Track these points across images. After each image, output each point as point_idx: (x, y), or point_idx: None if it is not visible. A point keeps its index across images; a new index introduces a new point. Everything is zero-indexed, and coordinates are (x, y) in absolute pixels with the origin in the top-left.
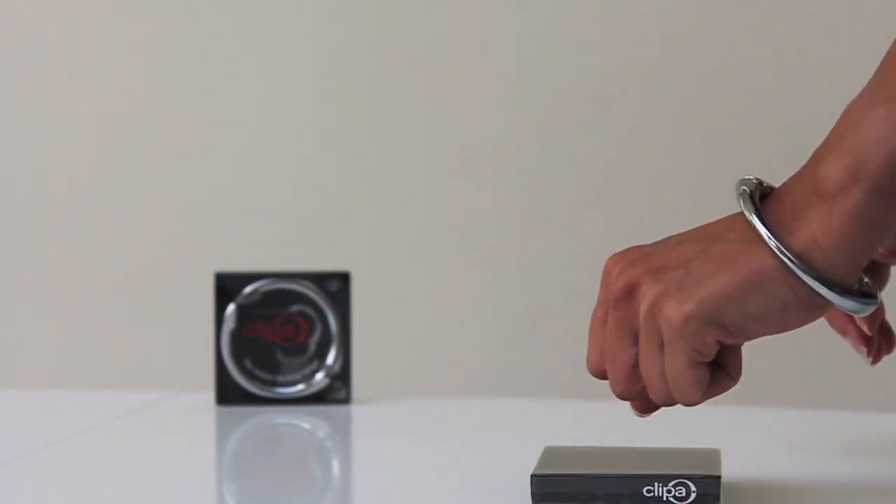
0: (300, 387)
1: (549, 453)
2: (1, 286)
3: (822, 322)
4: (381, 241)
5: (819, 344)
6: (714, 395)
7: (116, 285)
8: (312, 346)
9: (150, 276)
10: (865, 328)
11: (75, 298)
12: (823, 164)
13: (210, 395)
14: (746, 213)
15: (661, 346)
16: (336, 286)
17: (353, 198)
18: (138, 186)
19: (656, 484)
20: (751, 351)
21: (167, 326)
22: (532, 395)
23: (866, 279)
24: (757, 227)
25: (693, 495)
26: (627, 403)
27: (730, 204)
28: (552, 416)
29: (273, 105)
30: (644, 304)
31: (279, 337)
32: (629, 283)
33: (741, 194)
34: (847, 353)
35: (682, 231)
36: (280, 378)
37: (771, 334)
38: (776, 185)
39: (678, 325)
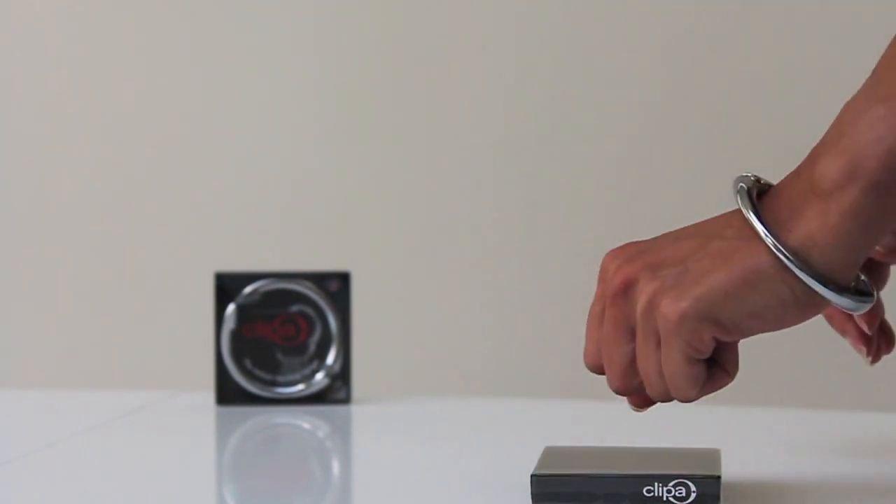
0: (300, 387)
1: (549, 453)
2: (1, 286)
3: (821, 322)
4: (381, 241)
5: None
6: (711, 392)
7: (116, 285)
8: (312, 346)
9: (150, 276)
10: (865, 328)
11: (75, 298)
12: (821, 162)
13: (210, 395)
14: (743, 211)
15: (658, 343)
16: (336, 286)
17: (353, 198)
18: (138, 186)
19: (656, 484)
20: (751, 351)
21: (167, 326)
22: (532, 395)
23: (863, 277)
24: (754, 224)
25: (693, 495)
26: (625, 400)
27: (727, 201)
28: (552, 416)
29: (273, 105)
30: (641, 301)
31: (279, 337)
32: (626, 280)
33: (738, 191)
34: (847, 352)
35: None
36: (280, 378)
37: (768, 331)
38: (774, 182)
39: (675, 322)
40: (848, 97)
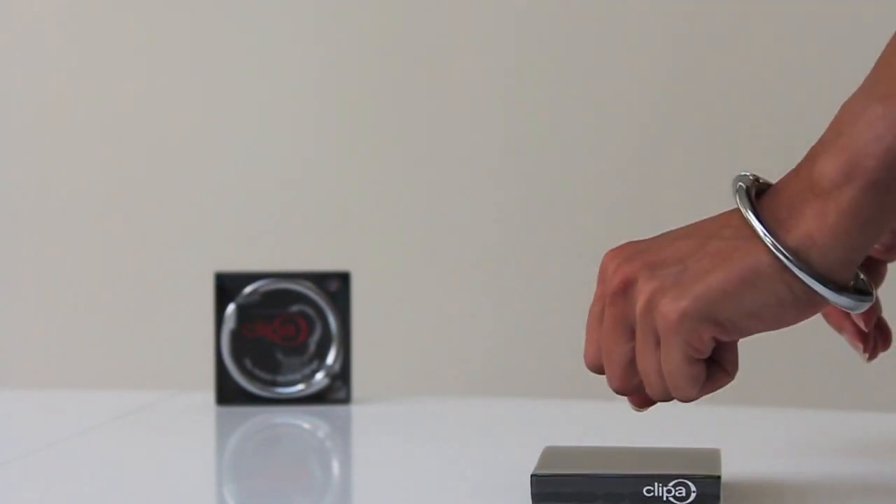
0: (300, 387)
1: (549, 453)
2: (1, 286)
3: (821, 322)
4: (381, 241)
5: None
6: (711, 391)
7: (116, 285)
8: (312, 346)
9: (150, 276)
10: (862, 325)
11: (75, 298)
12: (820, 161)
13: (210, 395)
14: (742, 210)
15: (658, 342)
16: (336, 286)
17: (353, 198)
18: (138, 186)
19: (656, 484)
20: (751, 351)
21: (167, 326)
22: (532, 395)
23: (862, 276)
24: (753, 223)
25: (693, 495)
26: (625, 399)
27: (727, 200)
28: (552, 416)
29: (273, 105)
30: (640, 301)
31: (279, 337)
32: (625, 279)
33: (737, 191)
34: (846, 352)
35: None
36: (280, 378)
37: (767, 331)
38: (773, 181)
39: (674, 322)
40: (847, 97)
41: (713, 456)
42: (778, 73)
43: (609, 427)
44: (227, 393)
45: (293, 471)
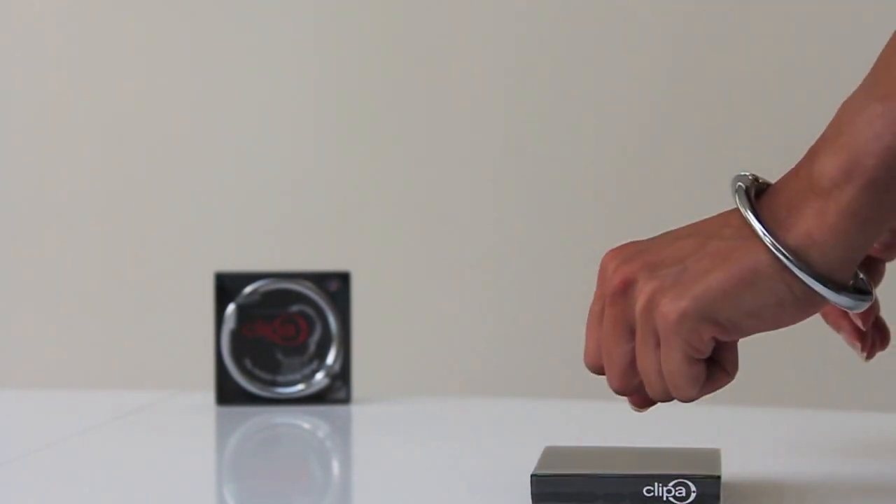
0: (300, 387)
1: (549, 453)
2: (1, 286)
3: (821, 322)
4: (381, 241)
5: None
6: (711, 391)
7: (116, 285)
8: (312, 346)
9: (150, 276)
10: (860, 324)
11: (75, 298)
12: (819, 161)
13: (210, 395)
14: (742, 210)
15: (658, 343)
16: (336, 286)
17: (353, 198)
18: (138, 186)
19: (656, 484)
20: (751, 351)
21: (167, 326)
22: (532, 395)
23: (861, 275)
24: (752, 223)
25: (693, 495)
26: (625, 400)
27: (726, 200)
28: (552, 416)
29: (273, 105)
30: (640, 301)
31: (279, 337)
32: (625, 279)
33: (737, 190)
34: (846, 352)
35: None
36: (280, 378)
37: (767, 331)
38: (772, 181)
39: (674, 322)
40: (846, 96)
41: (713, 456)
42: (777, 73)
43: (609, 427)
44: (227, 393)
45: (293, 471)
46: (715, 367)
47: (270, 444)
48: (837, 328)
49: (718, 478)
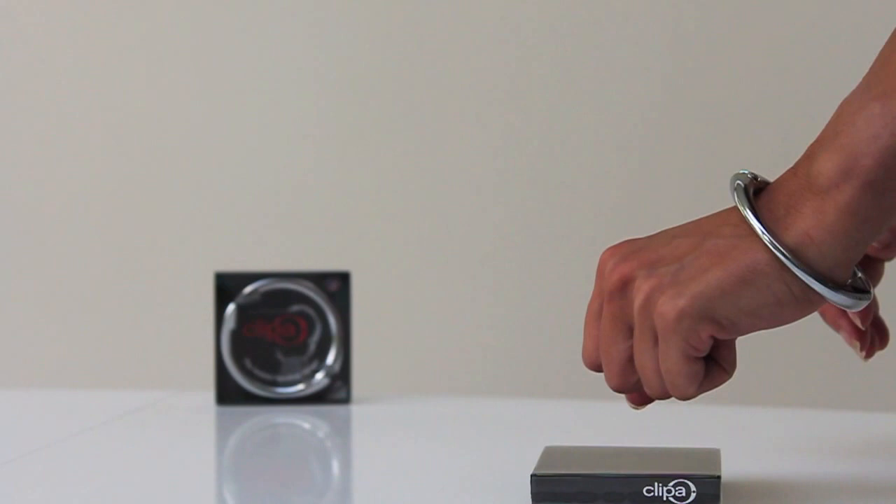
0: (300, 387)
1: (549, 453)
2: (1, 286)
3: (821, 322)
4: (381, 241)
5: (819, 344)
6: (709, 389)
7: (116, 285)
8: (312, 346)
9: (150, 276)
10: (858, 323)
11: (75, 298)
12: (817, 160)
13: (210, 395)
14: (740, 208)
15: (656, 341)
16: (336, 286)
17: (353, 198)
18: (138, 186)
19: (656, 484)
20: (750, 350)
21: (167, 326)
22: (532, 395)
23: (860, 274)
24: (751, 221)
25: (693, 495)
26: (624, 398)
27: (725, 199)
28: (552, 416)
29: (273, 105)
30: (638, 299)
31: (279, 337)
32: (623, 277)
33: (735, 189)
34: (846, 352)
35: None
36: (280, 378)
37: (765, 329)
38: (771, 179)
39: (672, 320)
40: (845, 95)
41: (713, 456)
42: (776, 71)
43: (609, 427)
44: (227, 393)
45: (293, 471)
46: (713, 366)
47: (270, 444)
48: (836, 327)
49: (718, 478)
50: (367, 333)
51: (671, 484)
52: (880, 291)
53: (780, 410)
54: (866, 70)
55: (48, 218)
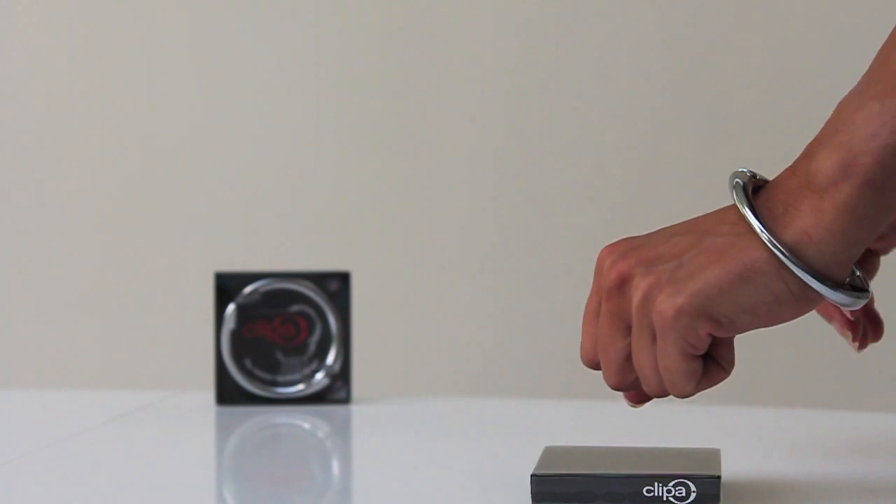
0: (300, 387)
1: (549, 453)
2: (1, 286)
3: (820, 322)
4: (381, 241)
5: (819, 344)
6: (707, 388)
7: (116, 285)
8: (312, 346)
9: (150, 276)
10: (847, 314)
11: (75, 298)
12: (816, 158)
13: (210, 395)
14: (739, 206)
15: (654, 339)
16: (336, 286)
17: (353, 198)
18: (138, 186)
19: (656, 484)
20: (750, 350)
21: (167, 326)
22: (532, 395)
23: (858, 273)
24: (749, 219)
25: (693, 495)
26: (623, 398)
27: (724, 197)
28: (552, 416)
29: (273, 105)
30: (636, 297)
31: (279, 337)
32: (621, 275)
33: (734, 187)
34: (846, 352)
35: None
36: (280, 378)
37: (763, 327)
38: (770, 178)
39: (670, 318)
40: (844, 94)
41: (713, 456)
42: (775, 70)
43: (609, 427)
44: (227, 393)
45: (293, 471)
46: (711, 364)
47: (270, 444)
48: (828, 318)
49: (718, 478)
50: (367, 333)
51: (671, 484)
52: (880, 287)
53: (780, 410)
54: (865, 69)
55: (48, 218)
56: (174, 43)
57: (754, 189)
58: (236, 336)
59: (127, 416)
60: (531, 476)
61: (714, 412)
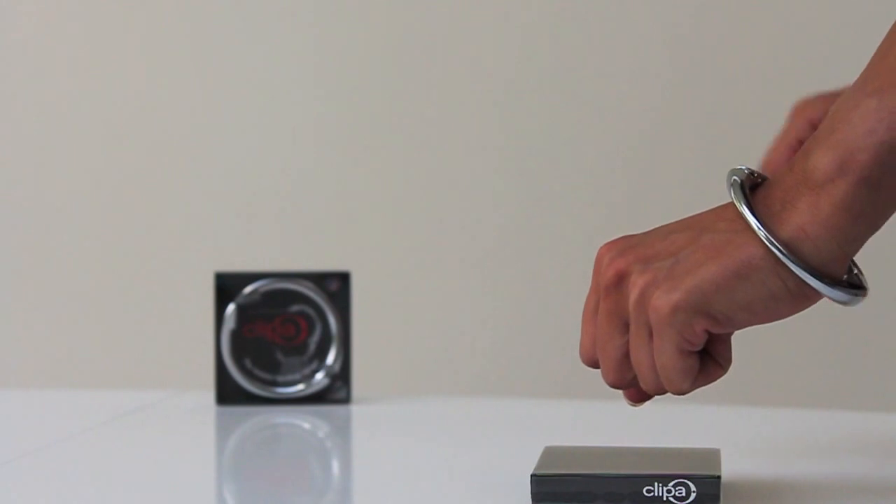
0: (300, 387)
1: (549, 453)
2: (1, 286)
3: (820, 322)
4: (381, 241)
5: (818, 344)
6: (703, 384)
7: (116, 285)
8: (312, 346)
9: (150, 276)
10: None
11: (75, 298)
12: (813, 155)
13: (210, 395)
14: (736, 203)
15: (651, 336)
16: (336, 286)
17: (353, 198)
18: (138, 186)
19: (656, 484)
20: (750, 350)
21: (167, 326)
22: (532, 395)
23: (856, 270)
24: (746, 216)
25: (693, 495)
26: (623, 397)
27: (722, 195)
28: (552, 416)
29: (273, 105)
30: (633, 294)
31: (279, 337)
32: (619, 272)
33: (732, 184)
34: (846, 352)
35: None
36: (280, 378)
37: (760, 324)
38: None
39: (666, 315)
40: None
41: (713, 456)
42: (774, 69)
43: (609, 427)
44: (227, 393)
45: (293, 471)
46: (708, 361)
47: (270, 444)
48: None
49: (718, 478)
50: (367, 333)
51: (671, 484)
52: (880, 287)
53: (780, 410)
54: (863, 68)
55: (48, 218)
56: (174, 43)
57: (752, 186)
58: (236, 336)
59: (127, 416)
60: (531, 476)
61: (714, 412)
